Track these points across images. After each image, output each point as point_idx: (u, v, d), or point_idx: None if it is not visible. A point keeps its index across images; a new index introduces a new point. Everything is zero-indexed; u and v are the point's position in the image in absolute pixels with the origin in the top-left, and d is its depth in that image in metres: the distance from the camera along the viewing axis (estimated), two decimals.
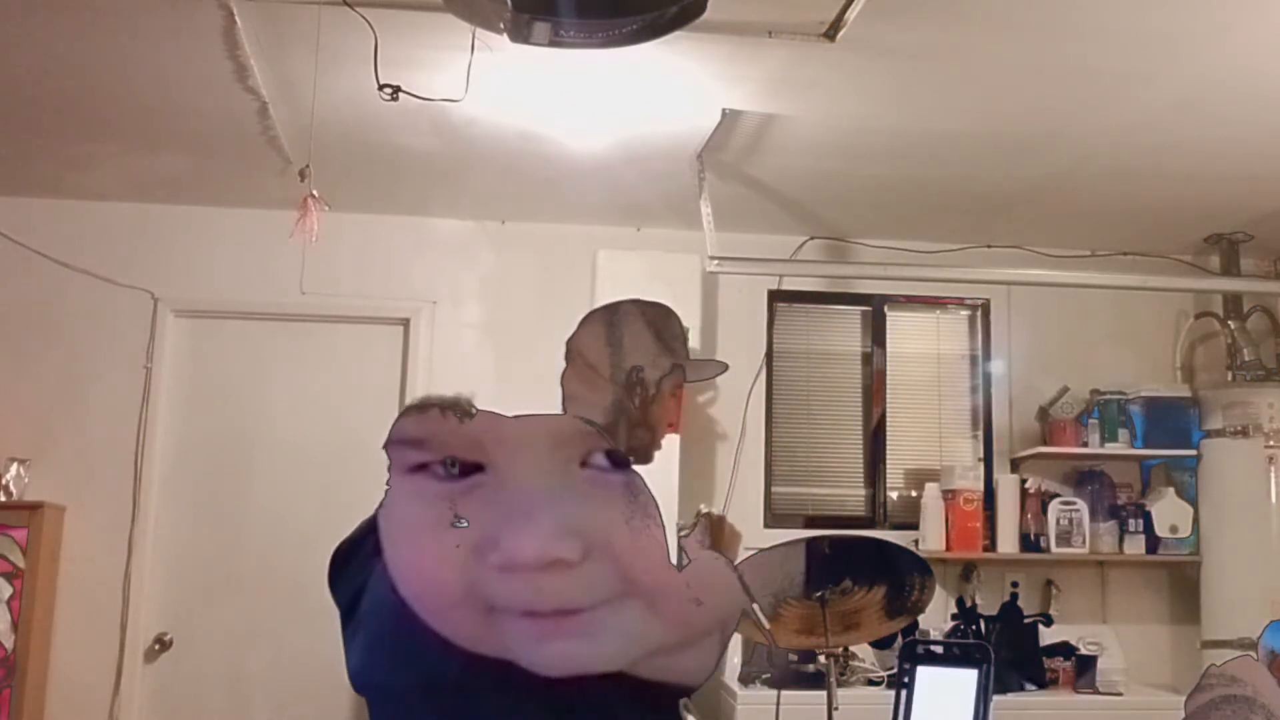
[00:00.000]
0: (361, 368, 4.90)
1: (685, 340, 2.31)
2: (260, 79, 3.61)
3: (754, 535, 3.64)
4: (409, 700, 2.42)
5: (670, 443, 4.24)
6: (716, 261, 4.46)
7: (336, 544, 2.67)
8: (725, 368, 2.45)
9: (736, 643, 4.22)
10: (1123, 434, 5.00)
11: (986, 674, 2.73)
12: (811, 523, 4.82)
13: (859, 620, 3.14)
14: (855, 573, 3.09)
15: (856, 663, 4.39)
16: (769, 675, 4.23)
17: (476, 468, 1.77)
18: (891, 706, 2.84)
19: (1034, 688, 4.52)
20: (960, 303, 5.27)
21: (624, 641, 2.12)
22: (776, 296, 5.13)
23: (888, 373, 5.16)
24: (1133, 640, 4.91)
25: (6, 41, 3.43)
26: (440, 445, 1.65)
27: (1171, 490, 4.99)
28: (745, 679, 4.29)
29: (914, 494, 5.03)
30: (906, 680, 2.53)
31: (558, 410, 4.94)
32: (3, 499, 4.51)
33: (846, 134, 4.03)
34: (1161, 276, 5.09)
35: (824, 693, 3.09)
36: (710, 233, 4.37)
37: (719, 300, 5.02)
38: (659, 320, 2.33)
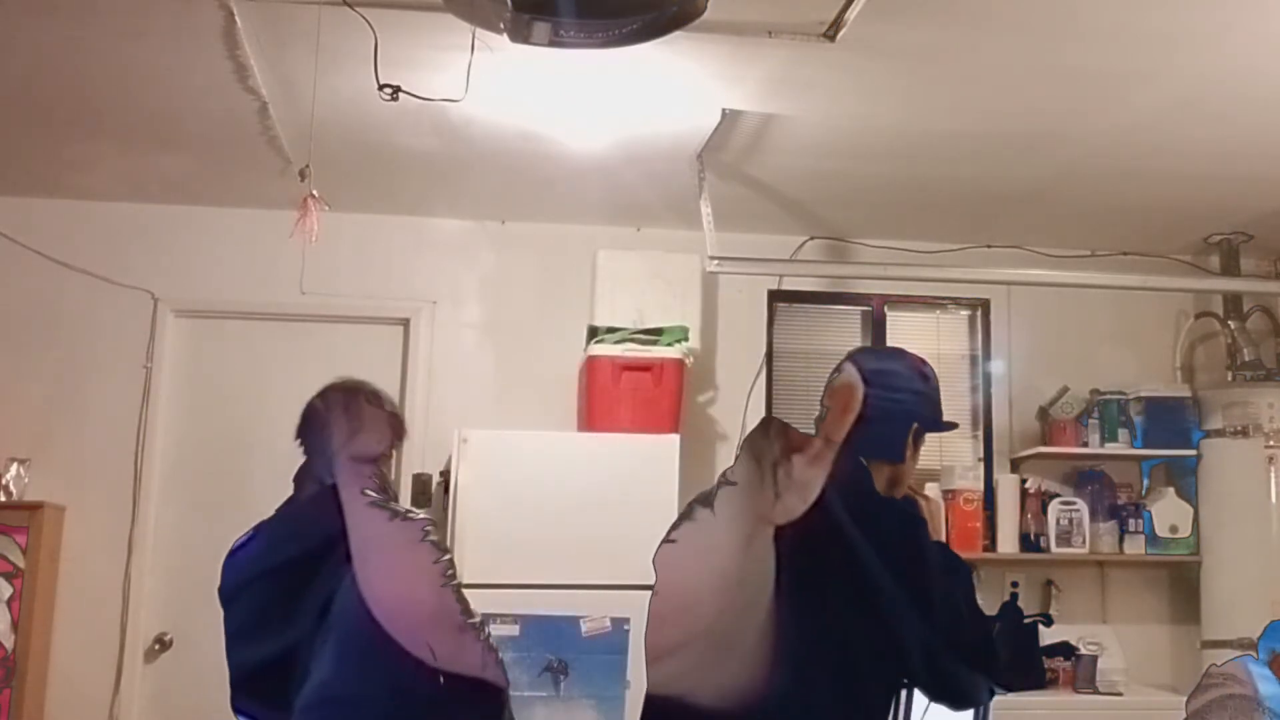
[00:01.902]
0: (361, 368, 4.82)
1: (940, 397, 2.36)
2: (260, 79, 3.61)
3: None
4: (377, 711, 2.40)
5: (670, 443, 4.26)
6: (716, 261, 4.46)
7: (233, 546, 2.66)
8: (955, 426, 2.55)
9: None
10: (1123, 434, 5.00)
11: None
12: None
13: None
14: None
15: None
16: None
17: None
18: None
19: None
20: (960, 303, 5.27)
21: None
22: (776, 296, 5.13)
23: None
24: (1133, 640, 4.90)
25: (7, 42, 3.43)
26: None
27: (1171, 490, 4.99)
28: None
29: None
30: (906, 680, 2.53)
31: (556, 409, 4.91)
32: (3, 499, 4.51)
33: (846, 134, 4.03)
34: (1161, 276, 5.09)
35: None
36: (710, 233, 4.37)
37: (719, 300, 5.02)
38: (933, 379, 2.37)
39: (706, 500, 2.19)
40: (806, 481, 2.12)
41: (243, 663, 2.57)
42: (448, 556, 2.49)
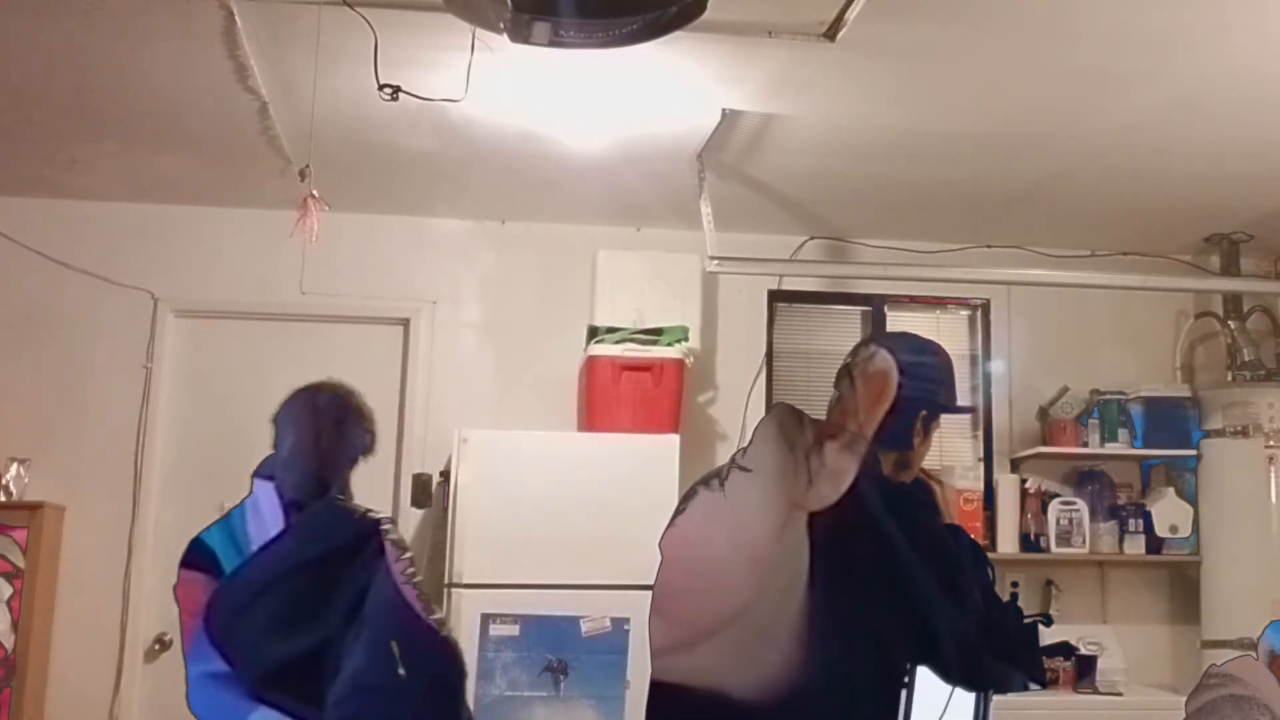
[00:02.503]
0: (361, 368, 4.87)
1: (954, 382, 2.31)
2: (260, 79, 3.61)
3: None
4: (413, 698, 2.44)
5: (670, 443, 4.26)
6: (716, 261, 4.47)
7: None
8: (973, 410, 2.53)
9: None
10: (1123, 434, 5.00)
11: None
12: None
13: None
14: None
15: None
16: None
17: None
18: None
19: (1037, 687, 4.52)
20: (960, 303, 5.27)
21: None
22: (776, 296, 5.13)
23: None
24: (1133, 640, 4.90)
25: (6, 42, 3.43)
26: None
27: (1171, 490, 4.99)
28: None
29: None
30: (906, 680, 2.53)
31: (556, 409, 4.90)
32: (3, 499, 4.52)
33: (846, 134, 4.03)
34: (1161, 276, 5.09)
35: None
36: (710, 233, 4.37)
37: (719, 300, 5.02)
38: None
39: (710, 480, 2.18)
40: (839, 470, 2.11)
41: (273, 657, 2.58)
42: (408, 555, 2.56)
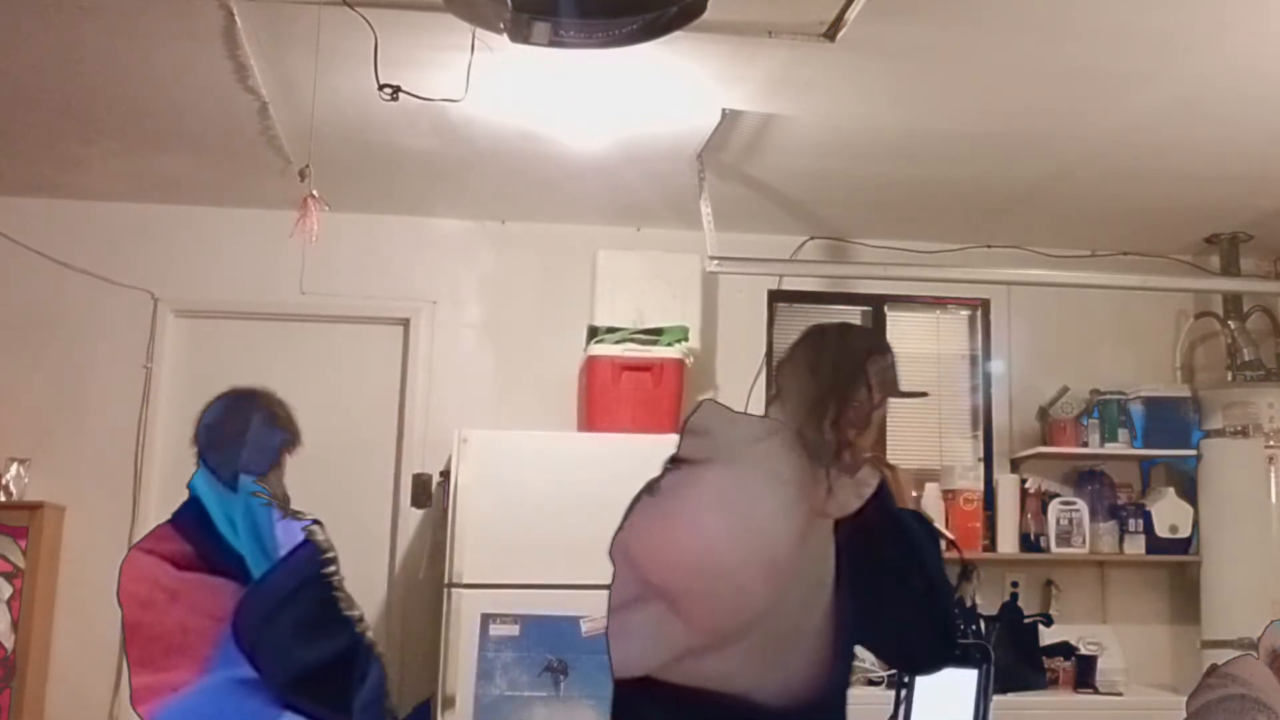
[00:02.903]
0: (361, 368, 4.90)
1: (895, 368, 2.33)
2: (260, 79, 3.61)
3: None
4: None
5: (670, 443, 4.24)
6: (716, 261, 4.46)
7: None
8: (926, 394, 2.55)
9: None
10: (1123, 434, 5.00)
11: (986, 674, 2.74)
12: None
13: None
14: None
15: (856, 662, 4.38)
16: None
17: None
18: (891, 706, 2.84)
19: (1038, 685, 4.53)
20: (960, 303, 5.27)
21: (645, 644, 2.15)
22: (776, 296, 5.13)
23: None
24: (1133, 640, 4.91)
25: (6, 41, 3.43)
26: None
27: (1171, 490, 4.99)
28: None
29: (914, 494, 5.02)
30: (906, 680, 2.54)
31: (556, 409, 4.91)
32: (3, 499, 4.51)
33: (846, 134, 4.03)
34: (1161, 276, 5.09)
35: None
36: (710, 233, 4.37)
37: (719, 300, 5.02)
38: (877, 351, 2.36)
39: (652, 486, 2.21)
40: (863, 479, 2.13)
41: (300, 662, 2.60)
42: (329, 554, 2.58)
